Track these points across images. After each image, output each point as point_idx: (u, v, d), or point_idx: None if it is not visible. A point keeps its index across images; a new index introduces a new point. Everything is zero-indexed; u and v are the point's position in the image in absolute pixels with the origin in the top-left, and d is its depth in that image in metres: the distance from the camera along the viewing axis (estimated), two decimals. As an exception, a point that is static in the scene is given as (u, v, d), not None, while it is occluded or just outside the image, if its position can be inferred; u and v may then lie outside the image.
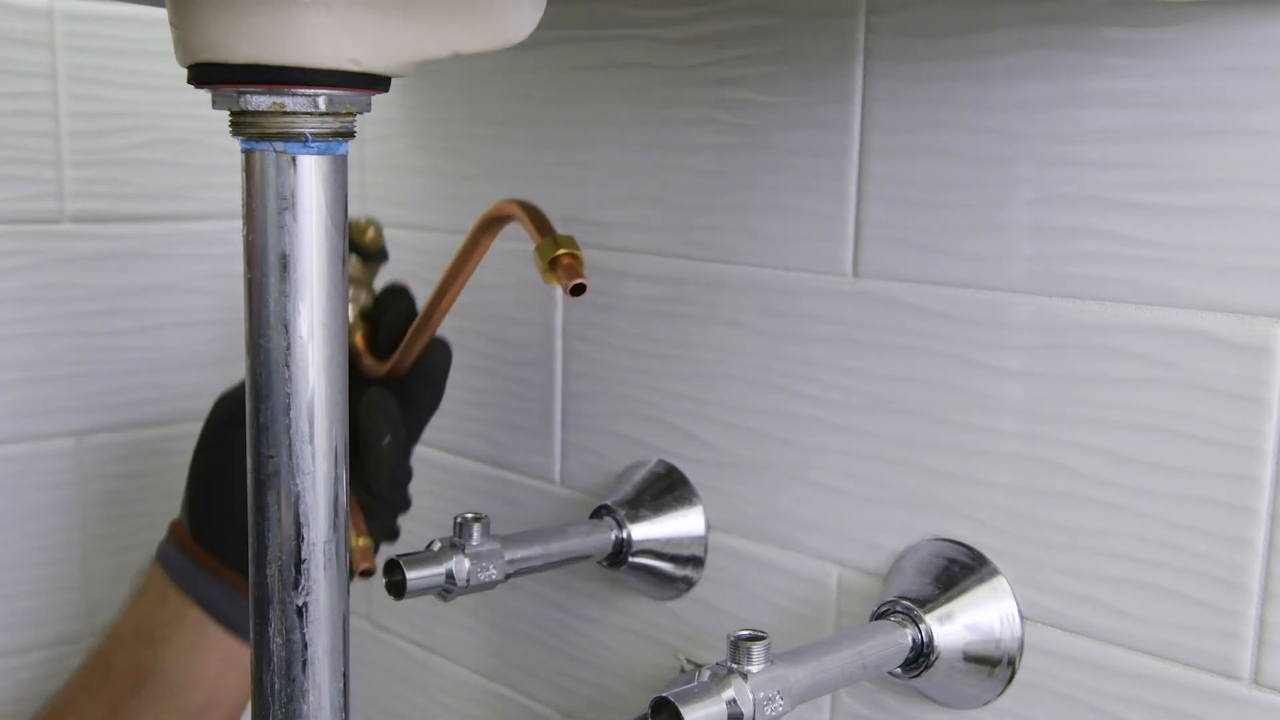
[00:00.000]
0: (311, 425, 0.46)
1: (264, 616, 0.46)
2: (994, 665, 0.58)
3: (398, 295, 0.75)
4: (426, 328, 0.69)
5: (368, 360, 0.73)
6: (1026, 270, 0.56)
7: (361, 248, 0.74)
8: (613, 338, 0.74)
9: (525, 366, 0.81)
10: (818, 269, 0.64)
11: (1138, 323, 0.53)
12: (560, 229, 0.63)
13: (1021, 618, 0.57)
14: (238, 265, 0.46)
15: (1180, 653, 0.53)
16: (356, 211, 0.91)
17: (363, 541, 0.67)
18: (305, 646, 0.45)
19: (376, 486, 0.68)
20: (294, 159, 0.44)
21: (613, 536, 0.69)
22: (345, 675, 0.46)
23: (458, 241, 0.69)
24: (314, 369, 0.46)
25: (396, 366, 0.71)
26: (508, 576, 0.63)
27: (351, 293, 0.70)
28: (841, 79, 0.62)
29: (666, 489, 0.71)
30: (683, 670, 0.70)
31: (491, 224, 0.66)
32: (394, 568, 0.60)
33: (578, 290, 0.58)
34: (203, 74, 0.44)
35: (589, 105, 0.74)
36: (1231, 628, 0.51)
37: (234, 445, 0.66)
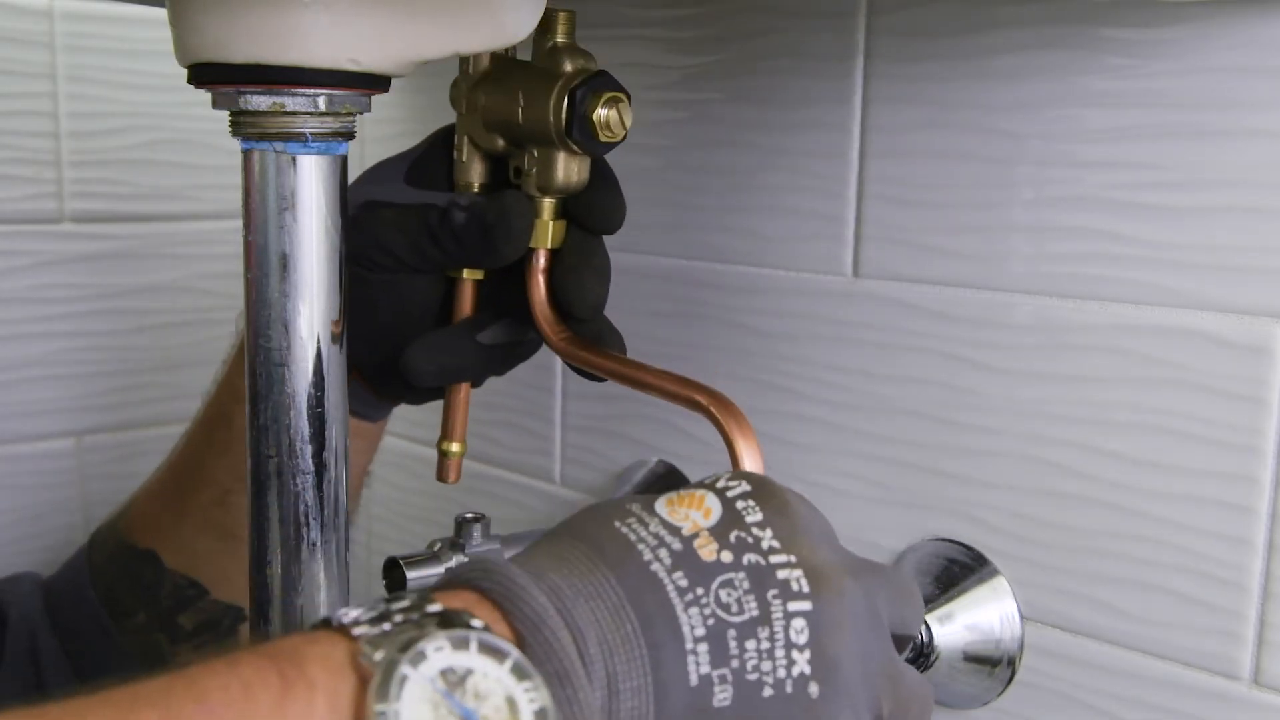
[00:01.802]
0: (311, 425, 0.46)
1: (265, 617, 0.46)
2: (994, 665, 0.58)
3: (607, 196, 0.55)
4: (617, 376, 0.53)
5: (543, 302, 0.55)
6: (1026, 270, 0.56)
7: (590, 140, 0.51)
8: (613, 338, 0.74)
9: (525, 367, 0.81)
10: (818, 269, 0.64)
11: (1138, 323, 0.53)
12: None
13: (1021, 618, 0.57)
14: (238, 265, 0.46)
15: (1180, 653, 0.53)
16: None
17: (456, 448, 0.60)
18: (305, 646, 0.45)
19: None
20: (294, 159, 0.44)
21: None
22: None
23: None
24: (314, 369, 0.46)
25: (563, 339, 0.55)
26: None
27: (561, 172, 0.52)
28: (841, 79, 0.62)
29: (666, 489, 0.71)
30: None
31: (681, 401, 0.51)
32: (393, 567, 0.60)
33: None
34: (202, 74, 0.44)
35: (589, 105, 0.74)
36: (1231, 628, 0.51)
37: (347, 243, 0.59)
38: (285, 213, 0.44)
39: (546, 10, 0.52)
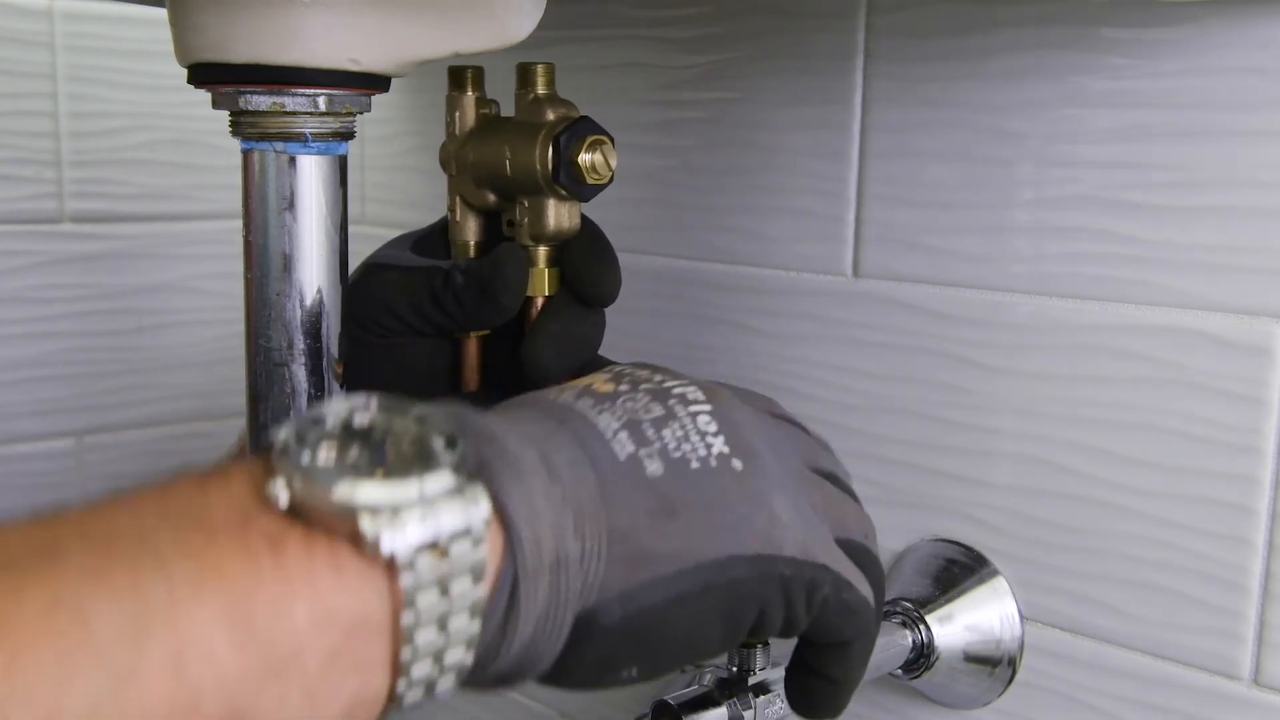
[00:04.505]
0: (311, 425, 0.46)
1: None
2: (994, 665, 0.58)
3: (599, 263, 0.55)
4: None
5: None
6: (1026, 270, 0.56)
7: (577, 184, 0.52)
8: (613, 338, 0.74)
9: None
10: (818, 269, 0.64)
11: (1138, 323, 0.53)
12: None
13: (1021, 618, 0.57)
14: (238, 265, 0.46)
15: (1180, 653, 0.53)
16: (356, 212, 0.91)
17: None
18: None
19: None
20: (294, 159, 0.44)
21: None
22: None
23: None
24: (314, 369, 0.46)
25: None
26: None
27: (552, 219, 0.53)
28: (841, 79, 0.62)
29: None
30: (683, 671, 0.70)
31: None
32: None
33: None
34: (202, 74, 0.44)
35: (589, 105, 0.74)
36: (1231, 628, 0.51)
37: (351, 307, 0.56)
38: (285, 213, 0.44)
39: (524, 65, 0.54)
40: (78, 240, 0.87)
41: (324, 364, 0.46)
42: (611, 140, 0.52)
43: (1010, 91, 0.56)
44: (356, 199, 0.91)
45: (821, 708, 0.44)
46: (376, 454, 0.32)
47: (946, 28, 0.58)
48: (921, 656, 0.57)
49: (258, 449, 0.47)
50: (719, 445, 0.39)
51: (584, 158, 0.51)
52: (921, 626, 0.57)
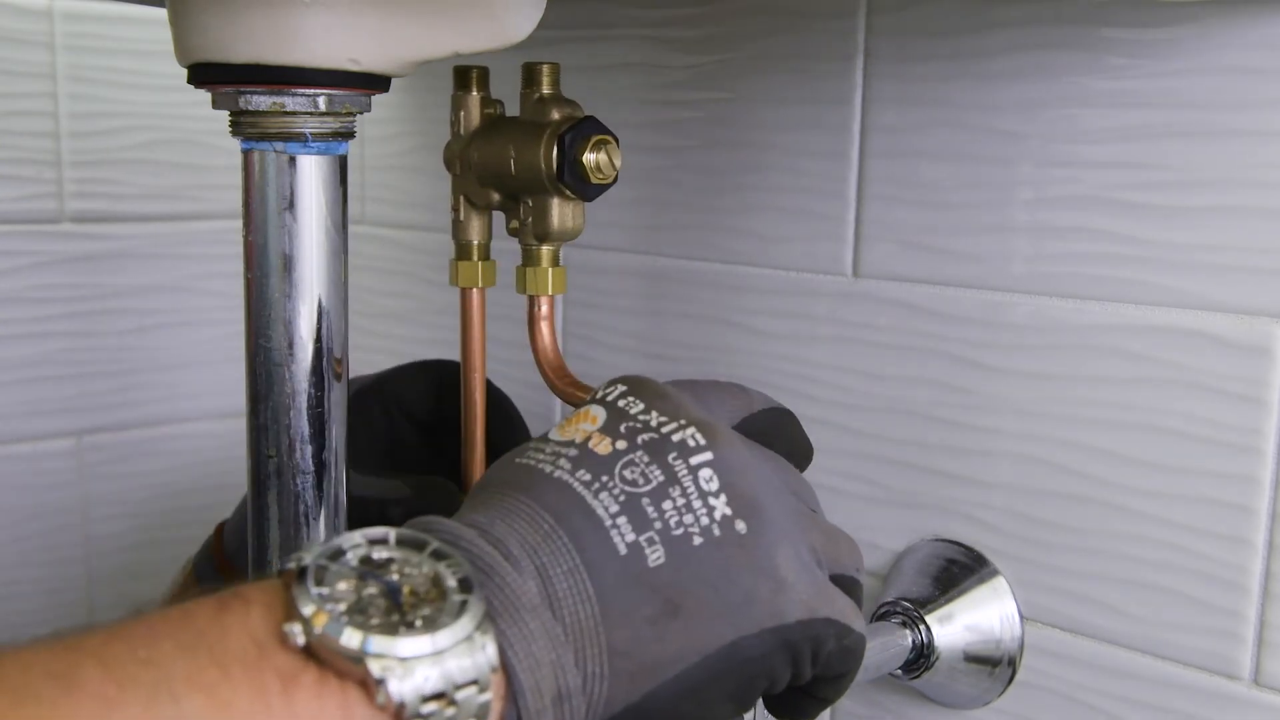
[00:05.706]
0: (311, 425, 0.46)
1: (264, 616, 0.46)
2: (994, 665, 0.58)
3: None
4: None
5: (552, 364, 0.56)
6: (1026, 270, 0.56)
7: (581, 183, 0.52)
8: (613, 338, 0.74)
9: (527, 367, 0.81)
10: (818, 269, 0.64)
11: (1138, 323, 0.53)
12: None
13: (1021, 618, 0.57)
14: (238, 265, 0.46)
15: (1180, 653, 0.53)
16: (356, 212, 0.91)
17: None
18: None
19: None
20: (294, 159, 0.44)
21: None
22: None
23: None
24: (314, 369, 0.46)
25: (567, 384, 0.56)
26: None
27: (556, 219, 0.53)
28: (841, 79, 0.62)
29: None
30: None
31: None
32: None
33: None
34: (202, 74, 0.44)
35: (589, 105, 0.74)
36: (1231, 628, 0.51)
37: None
38: (285, 213, 0.44)
39: (530, 65, 0.54)
40: (78, 240, 0.87)
41: (324, 364, 0.46)
42: (616, 140, 0.52)
43: (1010, 91, 0.56)
44: (356, 199, 0.91)
45: (805, 716, 0.44)
46: (392, 596, 0.33)
47: (946, 28, 0.58)
48: (921, 656, 0.58)
49: (256, 454, 0.47)
50: (721, 507, 0.38)
51: (589, 157, 0.51)
52: (921, 626, 0.57)
